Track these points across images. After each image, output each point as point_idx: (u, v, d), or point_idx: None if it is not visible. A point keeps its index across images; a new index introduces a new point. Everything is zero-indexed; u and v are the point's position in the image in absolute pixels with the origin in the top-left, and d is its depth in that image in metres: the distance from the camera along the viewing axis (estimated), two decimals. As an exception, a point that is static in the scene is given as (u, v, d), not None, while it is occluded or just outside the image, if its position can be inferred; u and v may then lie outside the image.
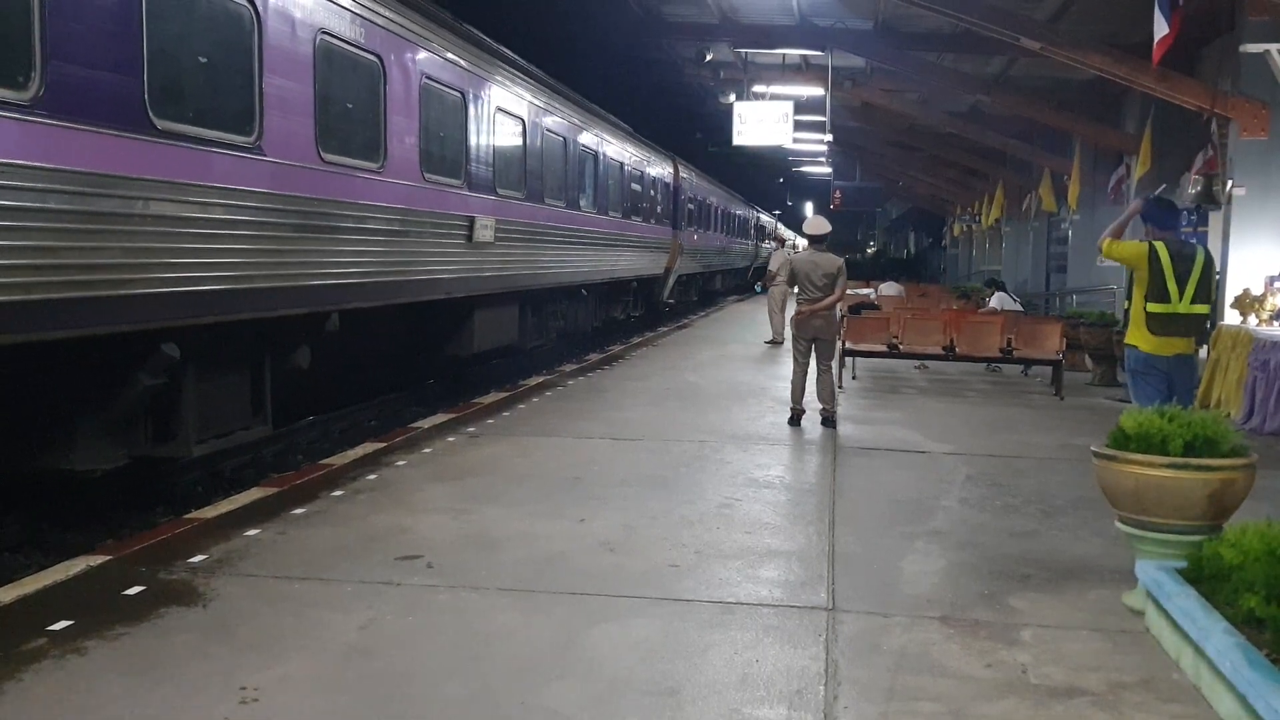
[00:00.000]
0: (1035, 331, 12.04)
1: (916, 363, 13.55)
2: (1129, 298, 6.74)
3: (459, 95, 10.89)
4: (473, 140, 11.26)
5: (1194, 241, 6.87)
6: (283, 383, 8.24)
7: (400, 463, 7.28)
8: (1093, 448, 4.67)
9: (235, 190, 6.88)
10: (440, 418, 9.25)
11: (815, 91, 19.32)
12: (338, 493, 6.37)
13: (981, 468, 7.52)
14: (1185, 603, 3.87)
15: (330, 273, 8.20)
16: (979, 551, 5.39)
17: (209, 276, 6.66)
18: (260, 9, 7.13)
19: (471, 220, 11.13)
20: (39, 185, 5.25)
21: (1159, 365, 6.45)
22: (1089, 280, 18.74)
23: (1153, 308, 6.40)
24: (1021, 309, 15.19)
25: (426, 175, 9.99)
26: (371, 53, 8.83)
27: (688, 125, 35.01)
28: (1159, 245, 6.39)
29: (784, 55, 18.94)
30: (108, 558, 4.98)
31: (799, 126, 20.09)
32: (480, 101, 11.49)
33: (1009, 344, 11.90)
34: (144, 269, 6.06)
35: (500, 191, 12.10)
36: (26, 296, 5.22)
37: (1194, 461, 4.28)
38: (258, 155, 7.14)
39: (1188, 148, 13.59)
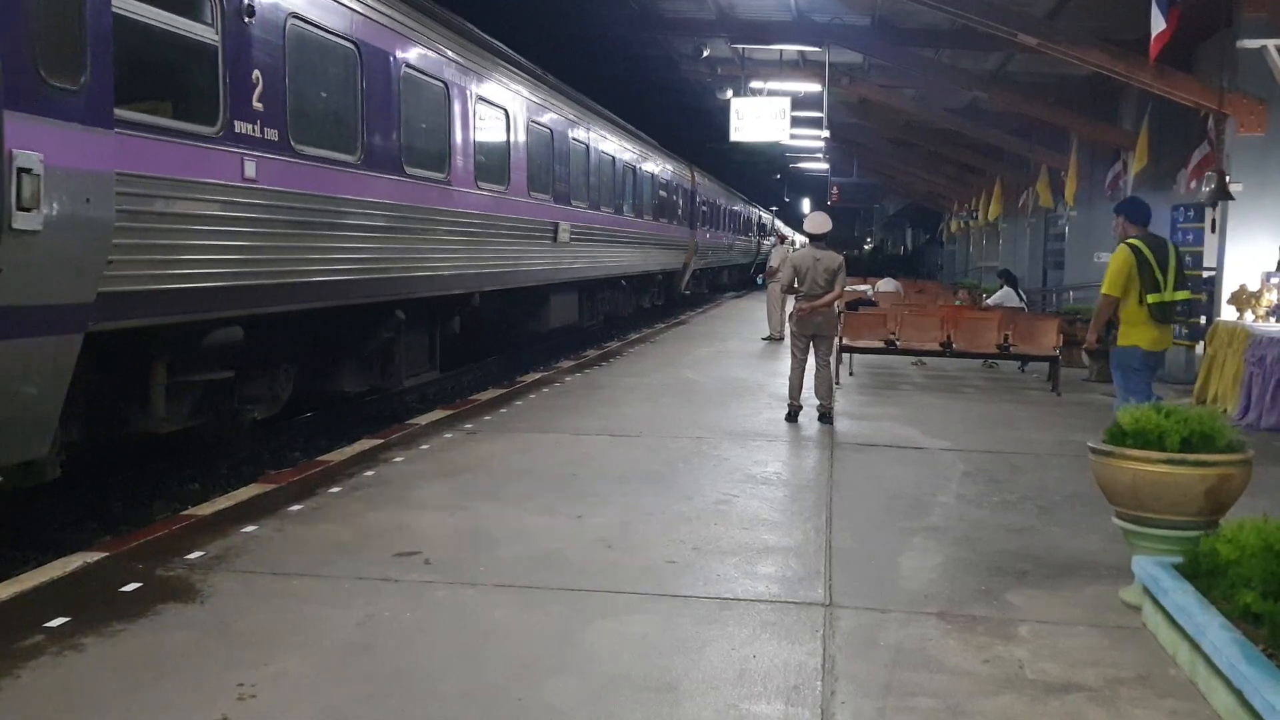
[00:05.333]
0: (1032, 328, 12.05)
1: (914, 359, 13.55)
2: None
3: (549, 131, 14.37)
4: (556, 163, 14.71)
5: (1162, 236, 7.19)
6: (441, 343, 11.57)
7: (398, 459, 7.27)
8: (1090, 444, 4.67)
9: (440, 209, 10.33)
10: (437, 414, 9.24)
11: (812, 87, 19.32)
12: (335, 489, 6.36)
13: (979, 464, 7.52)
14: (1182, 598, 3.87)
15: (477, 264, 11.56)
16: (976, 547, 5.40)
17: (423, 266, 10.03)
18: (449, 86, 10.66)
19: (556, 225, 14.45)
20: (360, 211, 8.67)
21: (1152, 363, 6.86)
22: (1086, 276, 18.73)
23: (1152, 298, 6.75)
24: (1024, 306, 15.17)
25: (532, 193, 13.40)
26: (502, 107, 12.44)
27: (685, 121, 35.00)
28: (1136, 242, 6.81)
29: (781, 51, 18.95)
30: (105, 554, 4.97)
31: (796, 122, 20.11)
32: (561, 133, 15.00)
33: (1006, 340, 11.91)
34: (396, 260, 9.42)
35: (573, 202, 15.52)
36: (347, 278, 8.54)
37: (1191, 457, 4.28)
38: (448, 185, 10.56)
39: (1185, 144, 13.60)
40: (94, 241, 5.45)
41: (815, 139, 24.19)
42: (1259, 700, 3.09)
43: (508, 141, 12.57)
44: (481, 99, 11.54)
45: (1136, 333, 6.82)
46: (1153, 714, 3.50)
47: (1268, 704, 3.03)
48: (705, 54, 19.30)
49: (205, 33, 6.73)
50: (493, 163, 11.99)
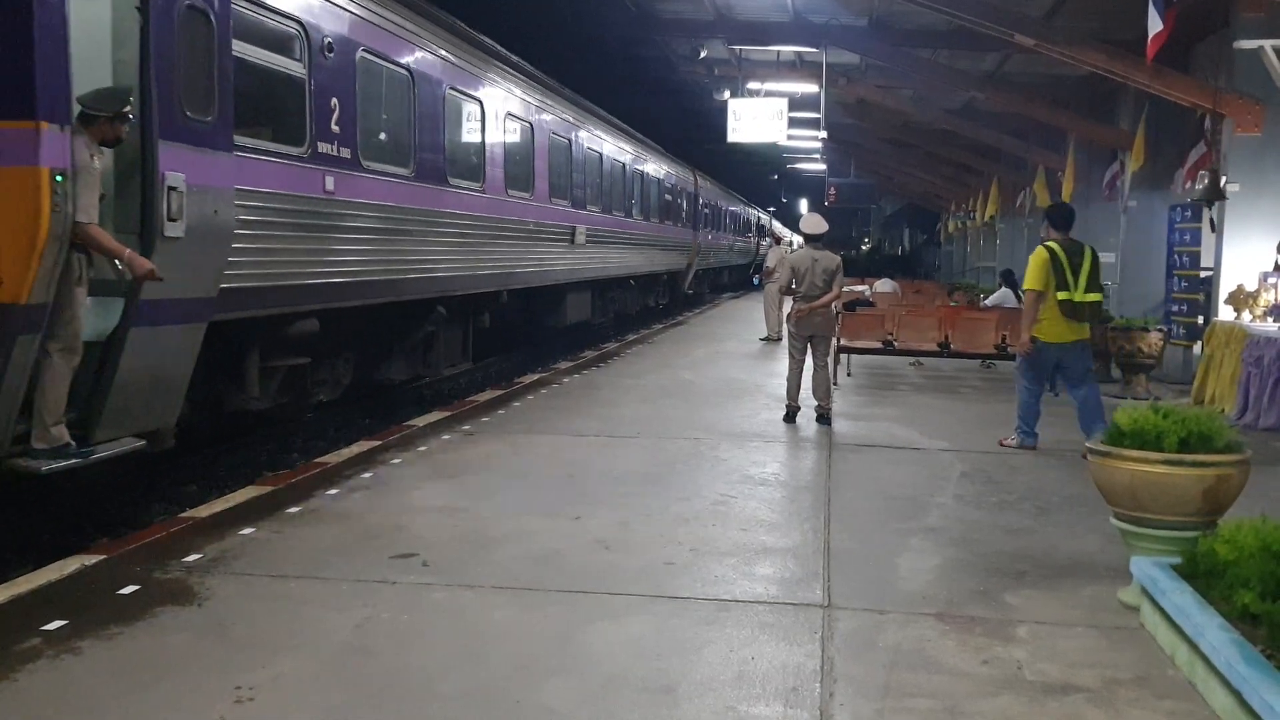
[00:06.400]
0: (1030, 328, 12.02)
1: (911, 359, 13.55)
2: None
3: (566, 141, 15.64)
4: (574, 171, 15.98)
5: (1080, 243, 7.99)
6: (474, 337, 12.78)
7: (395, 461, 7.27)
8: (1088, 444, 4.67)
9: (477, 215, 11.61)
10: (435, 416, 9.24)
11: (810, 88, 19.30)
12: (333, 491, 6.36)
13: (976, 464, 7.53)
14: (1180, 599, 3.87)
15: (507, 264, 12.81)
16: (974, 548, 5.40)
17: (462, 265, 11.23)
18: (484, 104, 11.91)
19: (573, 229, 15.72)
20: (412, 219, 9.78)
21: (1053, 352, 7.89)
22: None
23: (1060, 295, 7.68)
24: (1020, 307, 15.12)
25: (553, 200, 14.69)
26: (528, 120, 13.66)
27: (683, 122, 35.03)
28: (1053, 245, 7.76)
29: (778, 52, 18.93)
30: (102, 557, 4.97)
31: (793, 123, 20.09)
32: (577, 143, 16.31)
33: (1004, 340, 11.90)
34: (441, 261, 10.62)
35: (588, 207, 16.82)
36: (401, 276, 9.68)
37: (1189, 458, 4.28)
38: (481, 193, 11.77)
39: (1181, 144, 13.61)
40: (219, 246, 6.66)
41: (812, 139, 24.16)
42: (1257, 701, 3.09)
43: (532, 152, 13.82)
44: (510, 114, 12.85)
45: (1040, 326, 7.82)
46: (1151, 715, 3.50)
47: (1266, 704, 3.03)
48: (703, 55, 19.28)
49: (296, 68, 7.88)
50: (520, 172, 13.24)
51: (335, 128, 8.32)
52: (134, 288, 5.84)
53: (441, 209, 10.50)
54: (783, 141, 21.30)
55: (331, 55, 8.22)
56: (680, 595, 4.61)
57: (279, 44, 7.66)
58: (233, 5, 6.80)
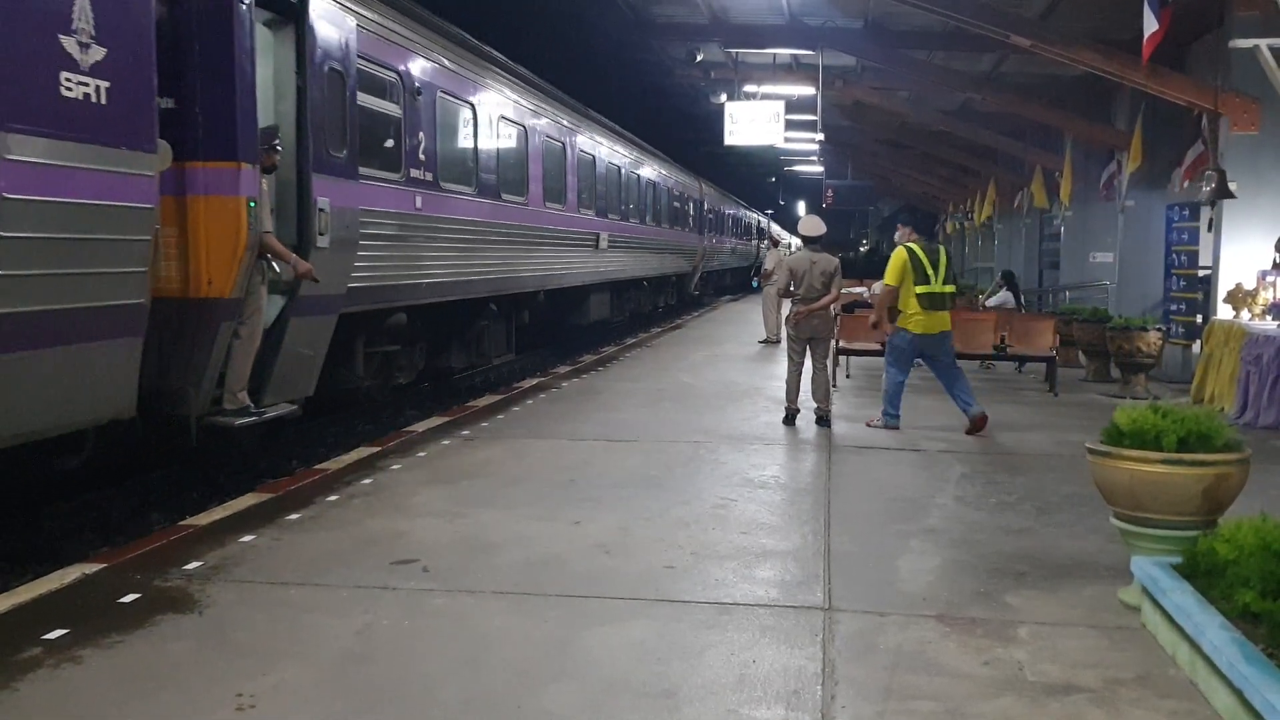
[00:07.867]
0: (1028, 328, 12.04)
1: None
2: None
3: (591, 156, 17.50)
4: (598, 183, 17.85)
5: (936, 244, 9.27)
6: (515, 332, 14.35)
7: (395, 466, 7.26)
8: (1087, 444, 4.67)
9: (523, 224, 13.33)
10: (434, 421, 9.24)
11: (806, 91, 19.29)
12: (332, 497, 6.35)
13: (976, 465, 7.53)
14: (1181, 598, 3.87)
15: (542, 267, 14.47)
16: (974, 549, 5.40)
17: (511, 268, 12.97)
18: (527, 128, 13.62)
19: (597, 235, 17.55)
20: (476, 229, 11.60)
21: (920, 344, 8.79)
22: (1082, 276, 18.77)
23: (919, 289, 8.66)
24: (1018, 309, 15.15)
25: (580, 210, 16.57)
26: (561, 140, 15.44)
27: (680, 125, 35.03)
28: (913, 245, 8.81)
29: (774, 55, 18.92)
30: (103, 565, 4.96)
31: (790, 126, 20.04)
32: (601, 158, 18.21)
33: (1002, 341, 11.91)
34: (495, 264, 12.37)
35: (610, 215, 18.71)
36: (467, 278, 11.46)
37: (1188, 457, 4.28)
38: (525, 205, 13.48)
39: (1178, 143, 13.63)
40: (348, 254, 8.44)
41: (809, 142, 24.11)
42: (1259, 700, 3.09)
43: (564, 167, 15.62)
44: (547, 135, 14.55)
45: (909, 320, 8.72)
46: (1153, 714, 3.50)
47: (1268, 703, 3.03)
48: (699, 58, 19.27)
49: (394, 109, 9.65)
50: (555, 186, 14.99)
51: (421, 156, 10.09)
52: (294, 286, 7.52)
53: (496, 220, 12.24)
54: (780, 144, 21.26)
55: (419, 98, 10.03)
56: (681, 599, 4.60)
57: (384, 91, 9.42)
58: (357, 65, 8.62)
